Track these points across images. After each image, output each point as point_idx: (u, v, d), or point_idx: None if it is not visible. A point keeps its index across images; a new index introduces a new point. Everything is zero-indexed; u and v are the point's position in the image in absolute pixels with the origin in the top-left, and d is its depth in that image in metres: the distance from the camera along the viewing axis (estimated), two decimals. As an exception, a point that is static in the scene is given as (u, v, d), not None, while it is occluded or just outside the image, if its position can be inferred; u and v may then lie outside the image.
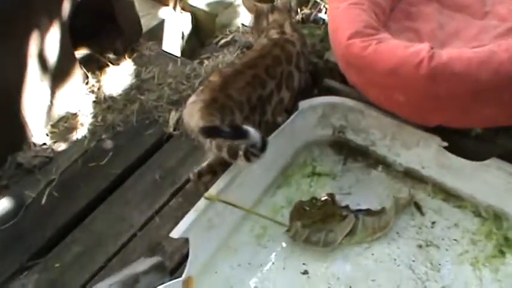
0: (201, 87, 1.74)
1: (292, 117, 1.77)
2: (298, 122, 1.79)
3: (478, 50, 1.54)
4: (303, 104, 1.80)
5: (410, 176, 1.78)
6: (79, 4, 2.07)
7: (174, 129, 2.04)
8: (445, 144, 1.68)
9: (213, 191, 1.60)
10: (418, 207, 1.71)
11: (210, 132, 1.52)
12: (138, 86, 2.22)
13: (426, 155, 1.73)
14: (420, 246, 1.63)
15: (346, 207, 1.69)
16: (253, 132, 1.45)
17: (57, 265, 1.70)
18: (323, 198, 1.71)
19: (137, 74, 2.27)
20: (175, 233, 1.52)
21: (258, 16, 1.94)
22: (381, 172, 1.82)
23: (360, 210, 1.68)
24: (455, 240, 1.64)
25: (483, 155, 1.64)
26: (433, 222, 1.68)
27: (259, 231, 1.69)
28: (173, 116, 2.06)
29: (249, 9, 1.97)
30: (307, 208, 1.69)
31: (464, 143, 1.69)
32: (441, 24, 1.86)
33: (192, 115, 1.61)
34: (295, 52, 1.82)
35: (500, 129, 1.65)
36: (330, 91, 1.89)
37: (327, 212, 1.68)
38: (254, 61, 1.78)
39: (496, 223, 1.66)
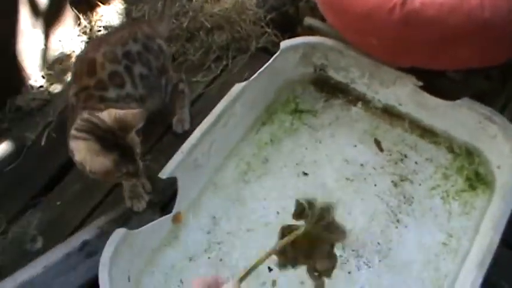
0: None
1: (273, 57, 1.82)
2: (279, 62, 1.84)
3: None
4: (284, 44, 1.84)
5: (389, 112, 1.86)
6: None
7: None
8: (420, 83, 1.73)
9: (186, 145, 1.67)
10: (378, 143, 1.80)
11: None
12: (129, 25, 2.26)
13: (403, 93, 1.79)
14: (395, 181, 1.73)
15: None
16: None
17: (58, 203, 1.82)
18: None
19: (128, 13, 2.31)
20: (163, 174, 1.63)
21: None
22: (360, 108, 1.89)
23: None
24: (428, 174, 1.74)
25: (456, 94, 1.69)
26: (409, 158, 1.77)
27: (243, 168, 1.80)
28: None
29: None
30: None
31: (438, 82, 1.74)
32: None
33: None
34: None
35: (472, 71, 1.69)
36: (311, 29, 1.93)
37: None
38: None
39: (468, 159, 1.75)
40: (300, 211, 1.24)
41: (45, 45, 2.14)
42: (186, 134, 1.74)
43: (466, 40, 1.55)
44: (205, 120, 1.72)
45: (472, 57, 1.60)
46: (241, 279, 0.90)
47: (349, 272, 1.57)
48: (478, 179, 1.71)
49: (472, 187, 1.70)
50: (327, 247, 1.22)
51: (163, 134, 1.93)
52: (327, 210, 1.20)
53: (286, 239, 1.10)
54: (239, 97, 1.77)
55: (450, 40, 1.55)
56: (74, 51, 2.20)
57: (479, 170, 1.72)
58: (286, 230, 1.16)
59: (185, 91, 1.92)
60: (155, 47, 1.78)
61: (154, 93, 1.78)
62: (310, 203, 1.22)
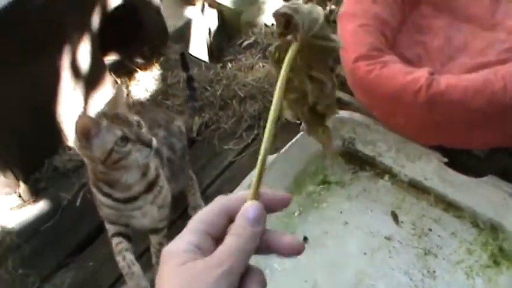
0: None
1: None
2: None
3: (475, 77, 1.63)
4: (314, 118, 1.92)
5: (414, 186, 1.90)
6: (109, 15, 2.21)
7: (197, 135, 2.18)
8: (445, 160, 1.78)
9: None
10: (395, 216, 1.85)
11: None
12: (164, 91, 2.36)
13: (428, 168, 1.84)
14: (419, 255, 1.76)
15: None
16: None
17: (91, 263, 1.89)
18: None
19: (164, 79, 2.41)
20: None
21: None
22: (387, 181, 1.94)
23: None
24: (452, 249, 1.77)
25: (481, 171, 1.74)
26: (433, 231, 1.81)
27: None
28: (196, 122, 2.19)
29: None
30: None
31: (463, 159, 1.80)
32: (449, 38, 1.94)
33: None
34: None
35: (497, 148, 1.74)
36: (341, 103, 2.01)
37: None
38: None
39: (492, 234, 1.77)
40: (287, 21, 0.77)
41: (84, 107, 2.24)
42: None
43: (489, 123, 1.61)
44: (234, 191, 1.78)
45: (495, 138, 1.66)
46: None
47: None
48: (503, 255, 1.73)
49: (496, 263, 1.72)
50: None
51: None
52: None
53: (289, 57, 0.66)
54: (269, 169, 1.83)
55: (473, 122, 1.61)
56: (111, 114, 2.29)
57: (504, 245, 1.75)
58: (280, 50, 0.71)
59: (193, 177, 1.95)
60: (176, 129, 1.84)
61: (178, 176, 1.81)
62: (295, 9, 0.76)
